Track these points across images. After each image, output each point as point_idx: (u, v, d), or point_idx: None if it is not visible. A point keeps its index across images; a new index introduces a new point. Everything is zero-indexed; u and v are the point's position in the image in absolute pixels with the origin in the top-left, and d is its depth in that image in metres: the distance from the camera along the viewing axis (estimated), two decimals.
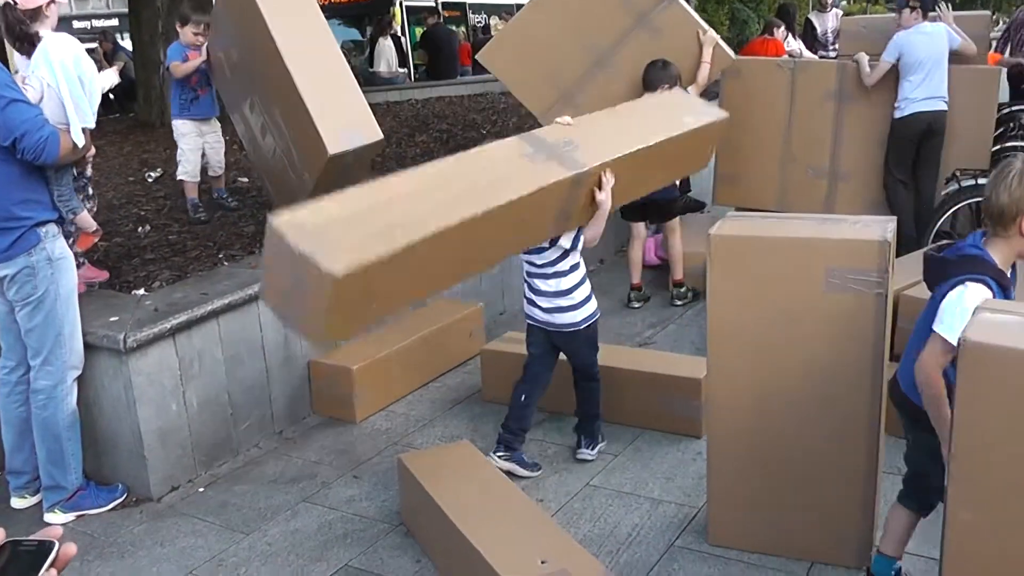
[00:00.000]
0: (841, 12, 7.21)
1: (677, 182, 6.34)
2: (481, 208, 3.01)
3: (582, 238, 4.00)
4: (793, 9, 11.82)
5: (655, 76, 5.74)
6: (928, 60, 6.31)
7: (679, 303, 6.39)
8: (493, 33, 23.40)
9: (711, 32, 5.88)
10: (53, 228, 3.82)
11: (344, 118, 4.50)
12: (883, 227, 3.16)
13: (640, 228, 6.48)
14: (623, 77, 5.90)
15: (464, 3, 30.07)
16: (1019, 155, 2.90)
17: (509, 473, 4.03)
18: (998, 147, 7.17)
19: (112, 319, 4.14)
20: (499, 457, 4.16)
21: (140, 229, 5.59)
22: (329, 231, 2.73)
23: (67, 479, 3.96)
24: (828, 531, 3.38)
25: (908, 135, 6.45)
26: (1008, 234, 2.73)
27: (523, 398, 4.23)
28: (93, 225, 4.50)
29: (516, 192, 3.17)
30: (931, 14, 6.49)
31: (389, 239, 2.75)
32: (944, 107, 6.38)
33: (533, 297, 4.12)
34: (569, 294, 4.08)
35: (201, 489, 4.23)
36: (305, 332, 3.11)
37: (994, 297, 2.63)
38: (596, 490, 4.03)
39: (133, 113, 10.56)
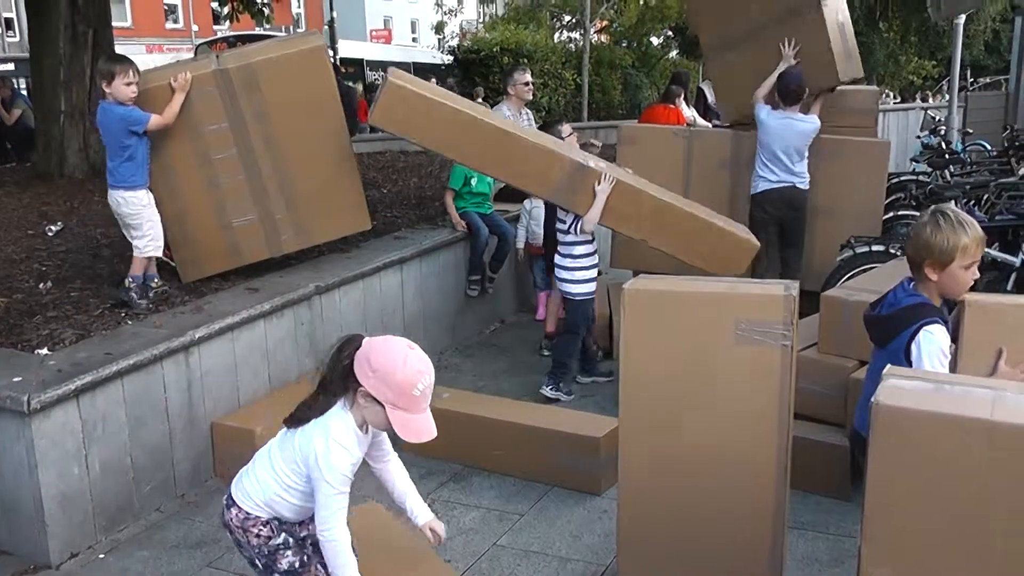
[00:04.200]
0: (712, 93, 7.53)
1: None
2: (512, 132, 5.33)
3: (580, 220, 5.45)
4: (686, 77, 12.24)
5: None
6: (776, 143, 6.65)
7: (546, 354, 6.61)
8: None
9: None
10: None
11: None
12: (787, 286, 3.36)
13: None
14: None
15: (361, 60, 30.29)
16: (927, 210, 3.23)
17: (556, 401, 5.69)
18: (890, 215, 7.57)
19: (15, 379, 4.07)
20: (548, 389, 5.75)
21: (41, 285, 5.49)
22: (412, 82, 5.29)
23: None
24: None
25: (762, 211, 6.77)
26: (921, 278, 3.13)
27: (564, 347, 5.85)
28: None
29: (535, 143, 5.32)
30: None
31: (440, 98, 5.26)
32: (798, 186, 6.72)
33: (557, 270, 5.76)
34: (570, 270, 5.65)
35: (102, 555, 4.15)
36: (371, 114, 5.40)
37: (946, 332, 3.00)
38: (503, 550, 4.09)
39: (30, 163, 10.32)
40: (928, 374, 2.82)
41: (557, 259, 5.74)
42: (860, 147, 6.91)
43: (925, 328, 2.99)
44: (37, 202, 7.86)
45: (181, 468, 4.70)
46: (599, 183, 5.34)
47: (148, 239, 5.22)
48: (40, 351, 4.46)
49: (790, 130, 6.62)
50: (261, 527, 2.96)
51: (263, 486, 2.94)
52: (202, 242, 5.57)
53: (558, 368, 5.82)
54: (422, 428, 2.84)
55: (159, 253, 5.32)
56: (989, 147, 12.70)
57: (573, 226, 5.55)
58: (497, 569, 3.92)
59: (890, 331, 3.12)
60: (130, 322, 4.93)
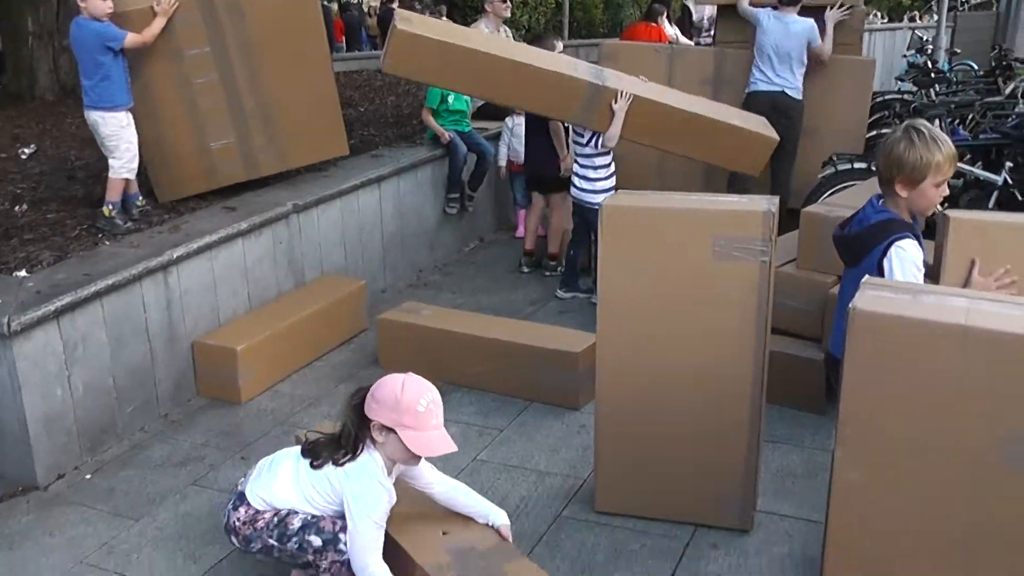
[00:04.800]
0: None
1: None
2: (527, 64, 5.25)
3: (601, 136, 5.62)
4: None
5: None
6: (771, 47, 6.70)
7: (548, 274, 6.71)
8: (365, 9, 23.17)
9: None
10: None
11: None
12: (767, 201, 3.36)
13: (538, 199, 6.79)
14: None
15: None
16: (897, 126, 3.19)
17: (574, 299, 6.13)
18: (873, 133, 7.57)
19: None
20: (563, 291, 6.17)
21: (16, 208, 5.43)
22: (417, 22, 5.17)
23: None
24: (712, 494, 3.57)
25: (749, 111, 6.76)
26: (890, 193, 3.12)
27: (571, 253, 6.14)
28: None
29: (552, 71, 5.30)
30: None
31: (451, 39, 5.16)
32: (788, 92, 6.75)
33: (574, 178, 5.92)
34: (591, 180, 5.83)
35: (88, 476, 4.19)
36: (383, 63, 5.28)
37: (918, 246, 3.00)
38: (483, 464, 4.15)
39: (1, 85, 10.14)
40: (905, 284, 2.85)
41: (577, 170, 5.90)
42: (845, 65, 6.91)
43: (896, 244, 2.99)
44: (9, 125, 7.74)
45: (163, 387, 4.73)
46: (616, 101, 5.47)
47: (123, 161, 5.15)
48: (18, 273, 4.44)
49: (783, 31, 6.70)
50: (264, 515, 3.05)
51: (285, 503, 3.04)
52: (180, 164, 5.54)
53: (569, 270, 6.16)
54: (435, 442, 2.95)
55: (132, 176, 5.25)
56: (976, 67, 12.62)
57: (593, 141, 5.73)
58: (477, 483, 3.96)
59: (861, 249, 3.12)
60: (107, 243, 4.90)
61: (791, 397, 4.46)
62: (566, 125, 6.27)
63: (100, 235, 4.99)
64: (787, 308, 4.65)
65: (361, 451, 2.98)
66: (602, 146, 5.73)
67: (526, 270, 6.76)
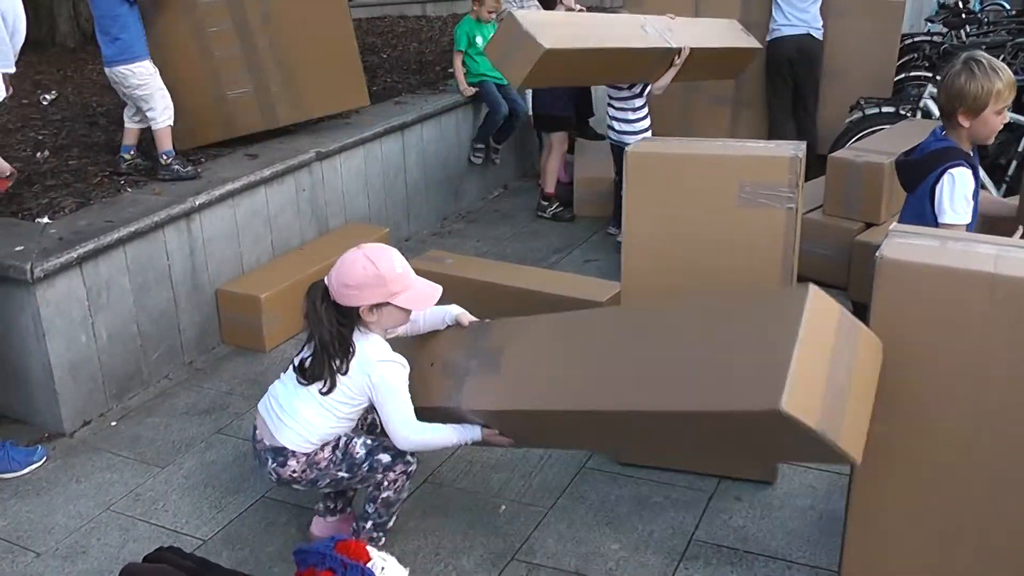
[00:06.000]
0: None
1: (573, 107, 6.91)
2: (630, 48, 5.31)
3: (651, 85, 5.74)
4: None
5: None
6: None
7: (540, 215, 6.77)
8: None
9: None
10: None
11: None
12: (794, 146, 3.30)
13: (555, 139, 6.75)
14: None
15: None
16: (961, 55, 3.24)
17: None
18: (901, 76, 7.41)
19: (17, 248, 4.05)
20: (614, 229, 6.07)
21: (38, 154, 5.42)
22: (546, 25, 4.89)
23: None
24: None
25: (776, 60, 6.66)
26: (953, 125, 3.21)
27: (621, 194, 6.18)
28: (7, 168, 4.37)
29: (638, 44, 5.34)
30: None
31: (576, 44, 4.96)
32: (813, 35, 6.60)
33: (611, 123, 5.95)
34: (631, 122, 5.85)
35: (113, 423, 4.21)
36: (509, 77, 5.16)
37: (971, 177, 3.12)
38: None
39: None
40: (933, 231, 2.78)
41: (615, 114, 5.91)
42: (873, 5, 6.72)
43: (949, 171, 3.11)
44: (30, 71, 7.70)
45: (187, 335, 4.74)
46: (678, 57, 5.54)
47: (163, 107, 5.11)
48: (40, 220, 4.43)
49: None
50: (321, 453, 3.05)
51: (316, 428, 3.03)
52: (196, 113, 5.47)
53: (619, 209, 6.16)
54: (427, 293, 3.05)
55: (172, 121, 5.18)
56: (1008, 7, 12.33)
57: (640, 88, 5.79)
58: None
59: (917, 175, 3.24)
60: (129, 189, 4.88)
61: None
62: None
63: (122, 181, 4.97)
64: (813, 255, 4.60)
65: (353, 345, 2.98)
66: (648, 94, 5.79)
67: (544, 215, 6.76)
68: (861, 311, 2.94)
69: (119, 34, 4.96)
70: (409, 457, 3.07)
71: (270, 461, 3.05)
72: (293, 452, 3.02)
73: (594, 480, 3.63)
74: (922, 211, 3.20)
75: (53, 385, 4.04)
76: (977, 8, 11.70)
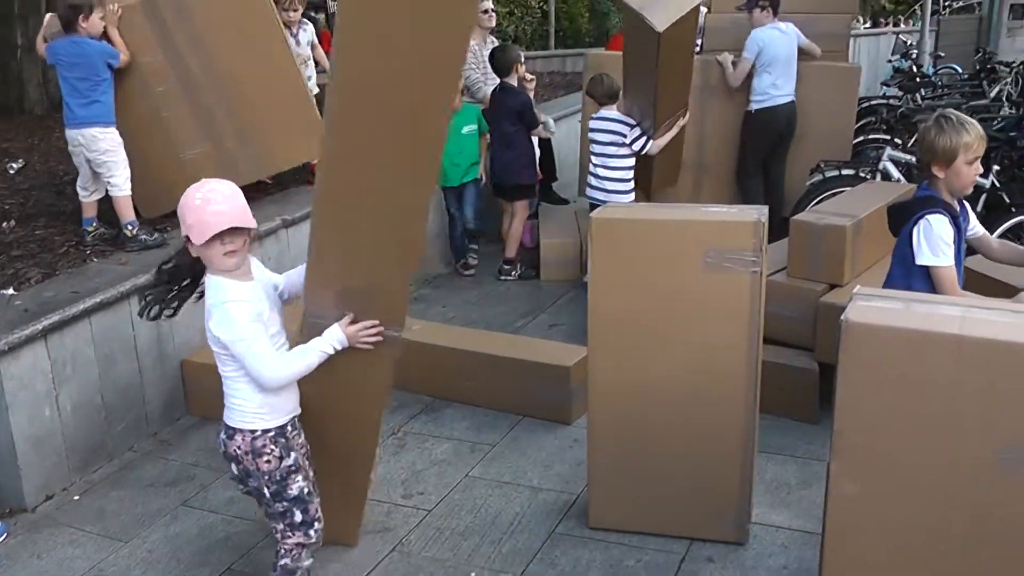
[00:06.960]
0: (706, 10, 7.43)
1: (538, 171, 7.05)
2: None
3: (650, 142, 5.89)
4: None
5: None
6: (783, 56, 6.66)
7: (502, 278, 6.83)
8: None
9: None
10: None
11: None
12: (757, 211, 3.37)
13: (517, 206, 6.86)
14: None
15: None
16: (934, 112, 3.52)
17: None
18: (860, 139, 7.58)
19: None
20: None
21: (4, 224, 5.40)
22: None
23: None
24: (707, 508, 3.54)
25: (769, 127, 6.76)
26: (930, 177, 3.44)
27: None
28: None
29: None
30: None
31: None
32: (794, 101, 6.80)
33: (600, 183, 6.03)
34: (623, 181, 5.99)
35: (76, 496, 4.15)
36: (655, 19, 5.12)
37: (950, 224, 3.33)
38: (476, 481, 4.12)
39: None
40: (897, 294, 2.82)
41: (604, 173, 6.03)
42: (831, 72, 6.91)
43: (926, 216, 3.33)
44: None
45: (153, 406, 4.69)
46: (683, 117, 5.99)
47: (125, 177, 5.15)
48: (5, 291, 4.41)
49: (785, 39, 6.73)
50: (271, 446, 3.01)
51: (238, 395, 3.01)
52: (156, 178, 5.38)
53: None
54: (210, 221, 2.85)
55: (130, 190, 5.19)
56: (960, 70, 12.67)
57: (637, 143, 5.91)
58: (470, 500, 3.95)
59: (901, 220, 3.46)
60: (96, 260, 4.88)
61: (784, 406, 4.43)
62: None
63: (88, 251, 4.96)
64: (778, 317, 4.63)
65: (200, 284, 2.97)
66: (644, 152, 5.96)
67: (503, 278, 6.84)
68: (828, 372, 3.00)
69: (99, 97, 5.04)
70: (311, 532, 3.09)
71: (222, 433, 3.09)
72: (239, 430, 3.03)
73: (564, 545, 3.61)
74: (904, 253, 3.41)
75: (16, 460, 3.98)
76: (931, 72, 12.02)
